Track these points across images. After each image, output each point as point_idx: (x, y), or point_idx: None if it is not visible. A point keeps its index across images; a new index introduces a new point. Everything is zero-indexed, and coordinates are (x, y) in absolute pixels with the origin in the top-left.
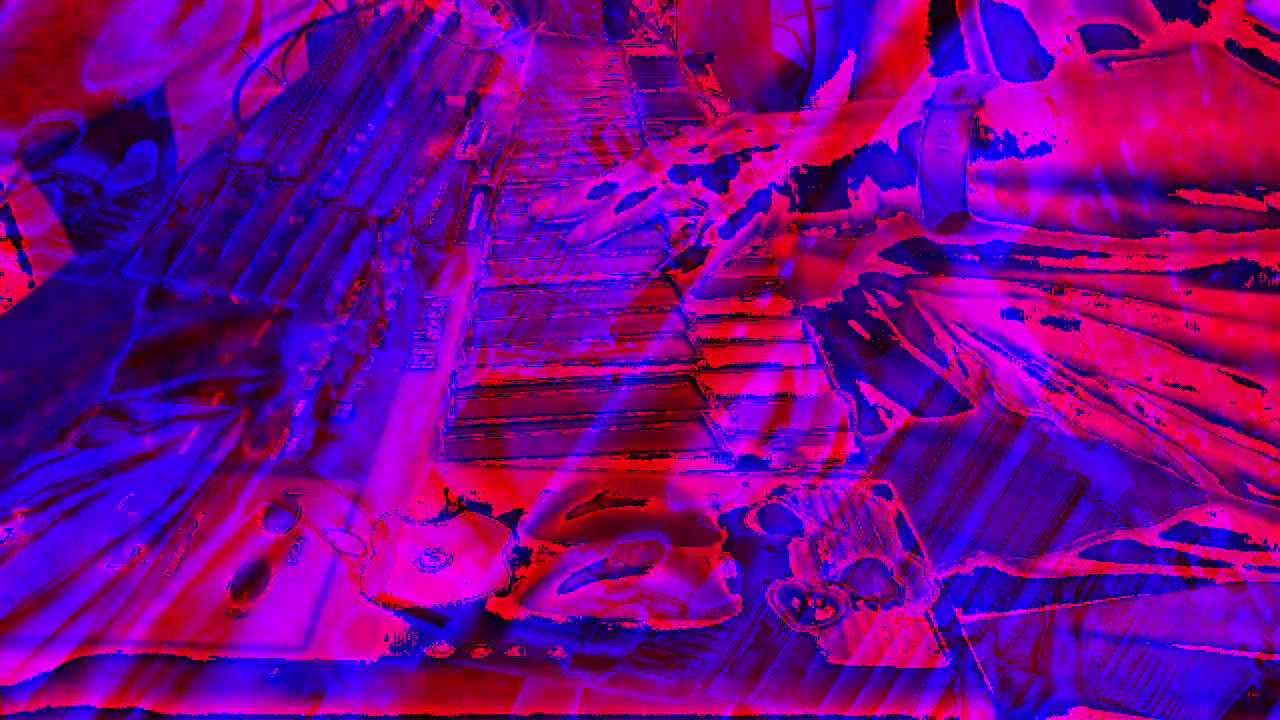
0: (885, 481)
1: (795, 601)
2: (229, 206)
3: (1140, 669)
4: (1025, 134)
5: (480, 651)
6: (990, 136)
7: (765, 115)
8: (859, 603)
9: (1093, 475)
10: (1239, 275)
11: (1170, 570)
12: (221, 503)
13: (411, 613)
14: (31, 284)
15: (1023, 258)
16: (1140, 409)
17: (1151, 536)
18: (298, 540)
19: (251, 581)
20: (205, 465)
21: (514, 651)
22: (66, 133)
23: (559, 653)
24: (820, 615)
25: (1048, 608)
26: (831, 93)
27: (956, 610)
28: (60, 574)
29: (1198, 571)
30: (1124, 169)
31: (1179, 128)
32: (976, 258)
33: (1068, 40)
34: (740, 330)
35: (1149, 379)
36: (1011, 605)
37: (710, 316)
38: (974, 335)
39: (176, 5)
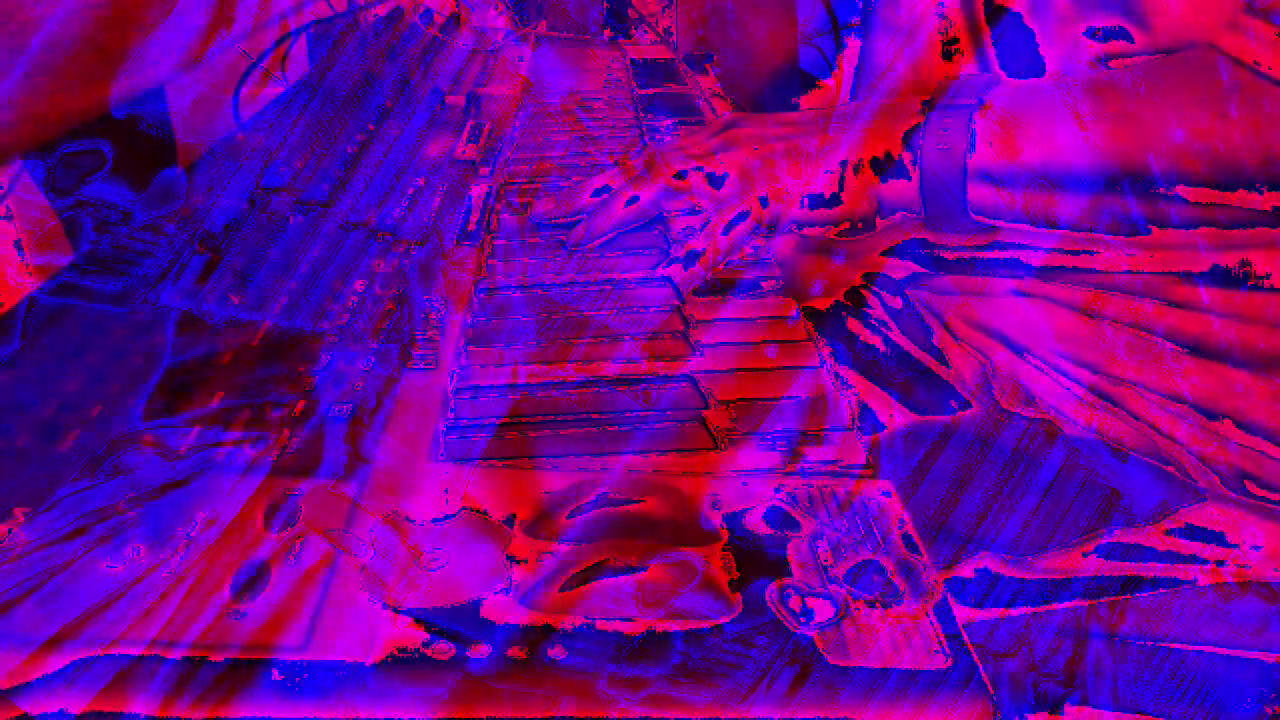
0: (885, 481)
1: (795, 602)
2: (258, 231)
3: (1179, 678)
4: (1052, 146)
5: (514, 670)
6: (1019, 152)
7: (764, 116)
8: (859, 603)
9: (1126, 489)
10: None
11: (1204, 579)
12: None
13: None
14: (54, 311)
15: (1053, 267)
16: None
17: (1151, 536)
18: (298, 540)
19: (251, 581)
20: (238, 493)
21: (549, 670)
22: (94, 160)
23: (595, 672)
24: (820, 616)
25: (1082, 618)
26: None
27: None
28: (60, 574)
29: (1230, 577)
30: (1152, 178)
31: (1207, 135)
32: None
33: (1094, 54)
34: (741, 330)
35: (1180, 388)
36: (1045, 616)
37: (711, 317)
38: (1005, 344)
39: (201, 32)
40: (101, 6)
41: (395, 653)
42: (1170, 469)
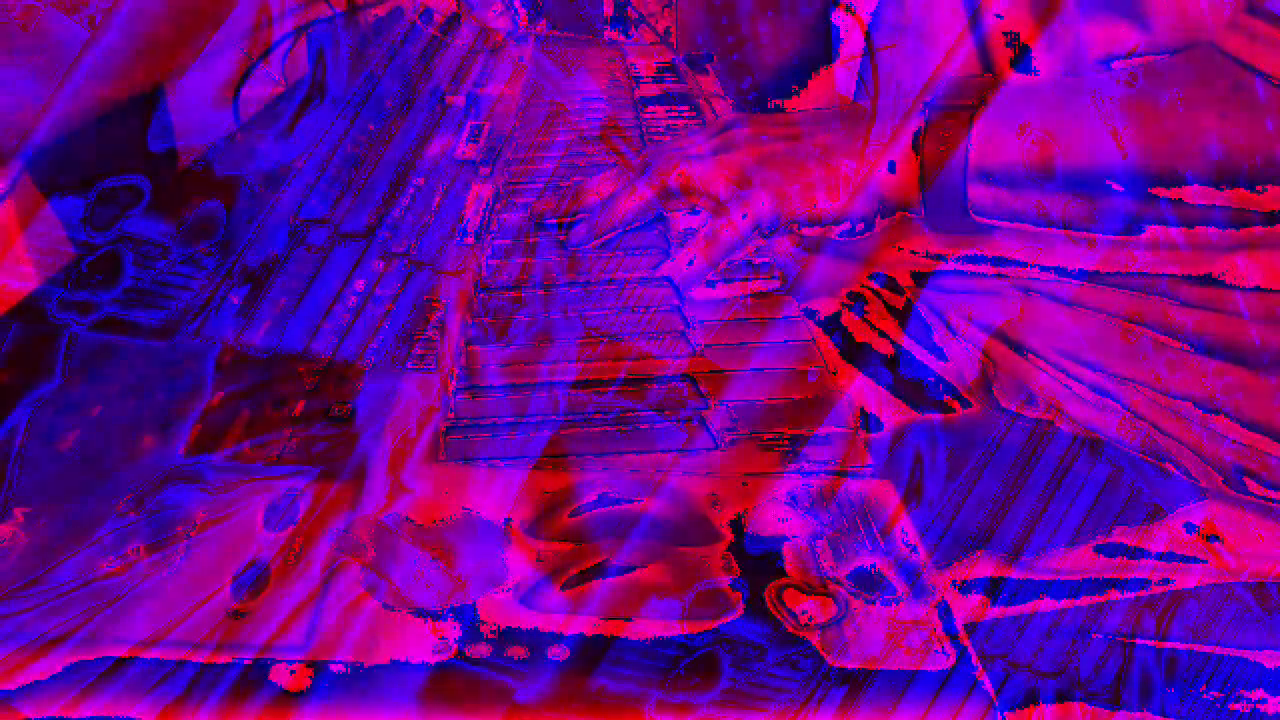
0: (885, 481)
1: (796, 602)
2: (299, 263)
3: (1227, 693)
4: (1090, 165)
5: (563, 698)
6: (1054, 171)
7: (764, 116)
8: (859, 603)
9: (1168, 502)
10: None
11: (1249, 596)
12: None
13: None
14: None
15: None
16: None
17: (1158, 541)
18: (298, 540)
19: (251, 581)
20: (282, 526)
21: (597, 698)
22: (132, 196)
23: (643, 698)
24: (821, 616)
25: (1127, 638)
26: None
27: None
28: (61, 574)
29: (1274, 594)
30: (1188, 192)
31: (1246, 151)
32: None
33: (1130, 73)
34: (741, 331)
35: (1215, 398)
36: (1089, 635)
37: (712, 317)
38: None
39: (235, 69)
40: (139, 41)
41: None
42: (1219, 480)
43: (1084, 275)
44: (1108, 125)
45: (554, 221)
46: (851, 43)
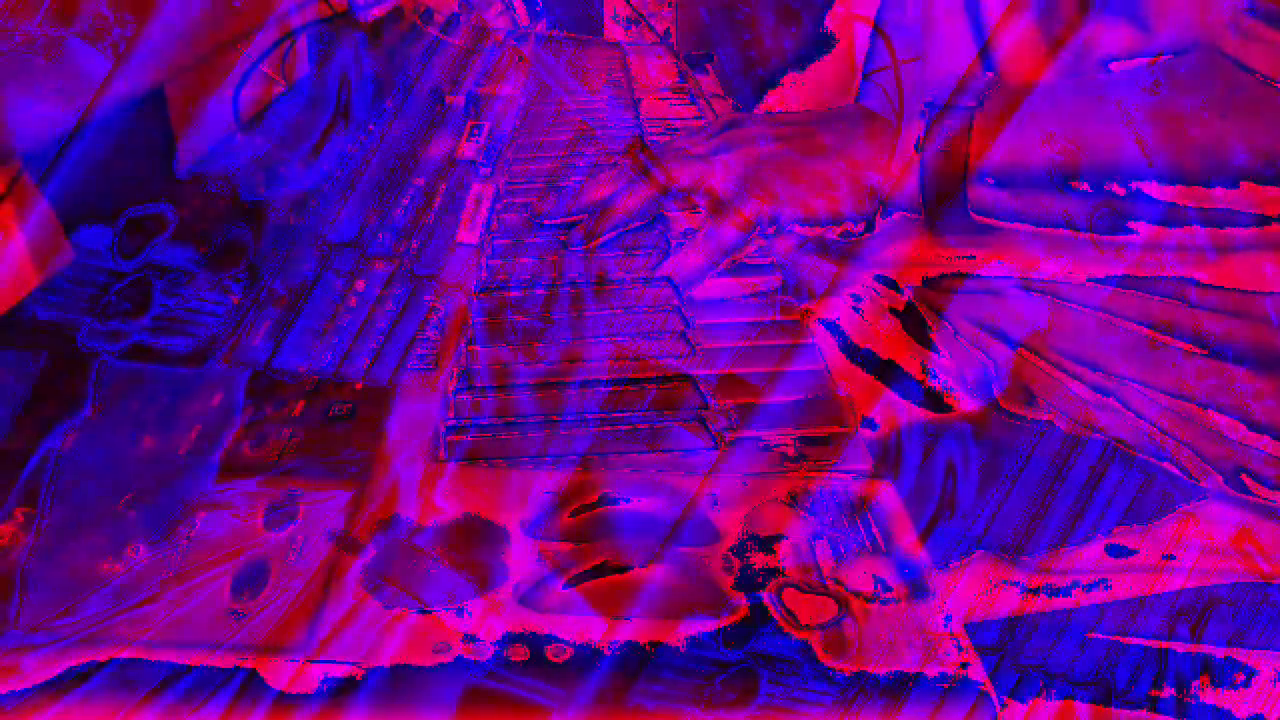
0: (886, 481)
1: (794, 601)
2: (328, 288)
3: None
4: (1116, 172)
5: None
6: (1081, 184)
7: (764, 116)
8: (859, 602)
9: (1203, 512)
10: None
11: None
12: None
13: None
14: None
15: (1126, 292)
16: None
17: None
18: (298, 540)
19: (251, 581)
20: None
21: (635, 715)
22: (158, 224)
23: (679, 715)
24: (821, 616)
25: (1164, 644)
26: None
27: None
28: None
29: None
30: (1214, 201)
31: (1273, 154)
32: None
33: (1154, 79)
34: (741, 331)
35: (1246, 405)
36: (1126, 645)
37: (712, 317)
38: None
39: (259, 95)
40: (162, 69)
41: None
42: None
43: (1112, 282)
44: (1132, 132)
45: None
46: (877, 56)
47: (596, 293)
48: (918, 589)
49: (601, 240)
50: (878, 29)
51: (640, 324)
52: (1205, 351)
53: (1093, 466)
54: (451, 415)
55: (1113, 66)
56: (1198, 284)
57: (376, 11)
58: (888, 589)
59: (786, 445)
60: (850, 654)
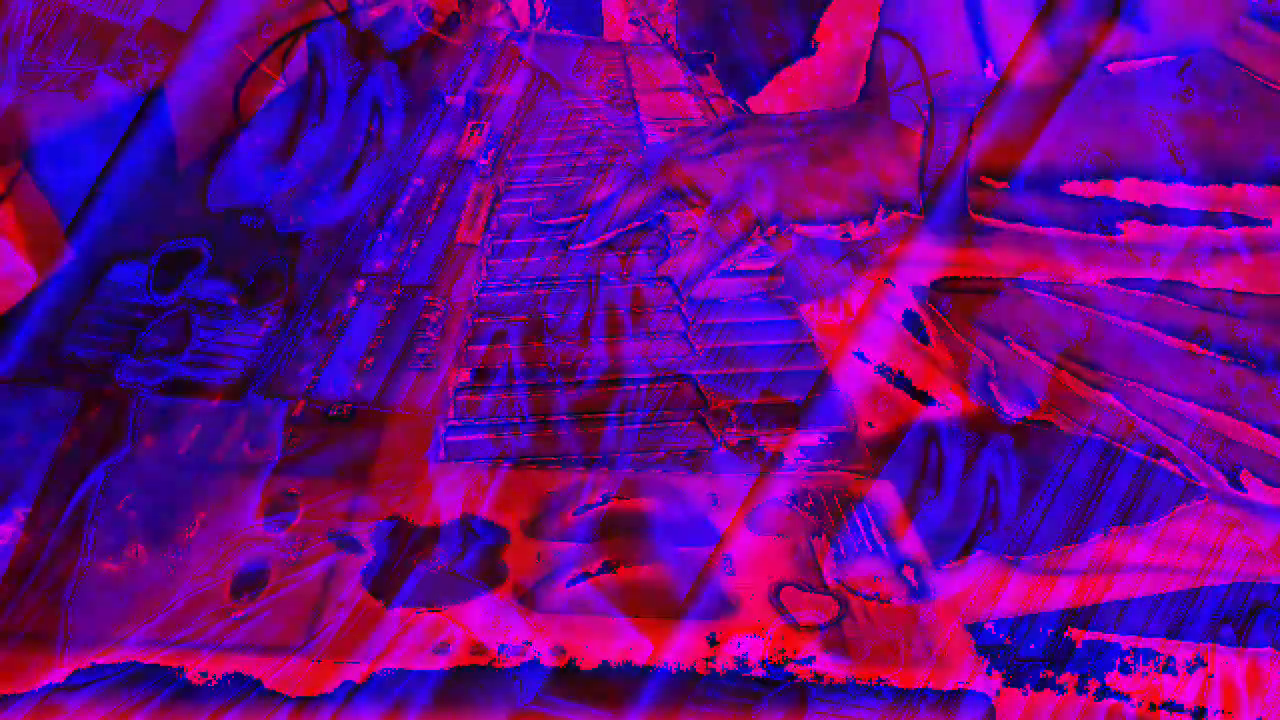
0: (886, 481)
1: (794, 601)
2: (365, 317)
3: None
4: (1150, 180)
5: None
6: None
7: (763, 116)
8: (859, 601)
9: (1246, 519)
10: None
11: None
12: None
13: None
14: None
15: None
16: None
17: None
18: (299, 541)
19: (251, 581)
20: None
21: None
22: (193, 260)
23: None
24: (822, 615)
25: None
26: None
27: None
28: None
29: None
30: (1248, 203)
31: None
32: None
33: (1185, 86)
34: (742, 331)
35: None
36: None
37: (712, 318)
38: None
39: (287, 133)
40: (193, 104)
41: None
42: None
43: (1150, 289)
44: (1164, 138)
45: (554, 221)
46: (906, 72)
47: (633, 317)
48: (918, 589)
49: (602, 240)
50: (905, 41)
51: (640, 324)
52: (1244, 359)
53: (1133, 475)
54: (452, 415)
55: (1110, 68)
56: (1235, 291)
57: (376, 12)
58: (888, 589)
59: (785, 444)
60: (850, 654)
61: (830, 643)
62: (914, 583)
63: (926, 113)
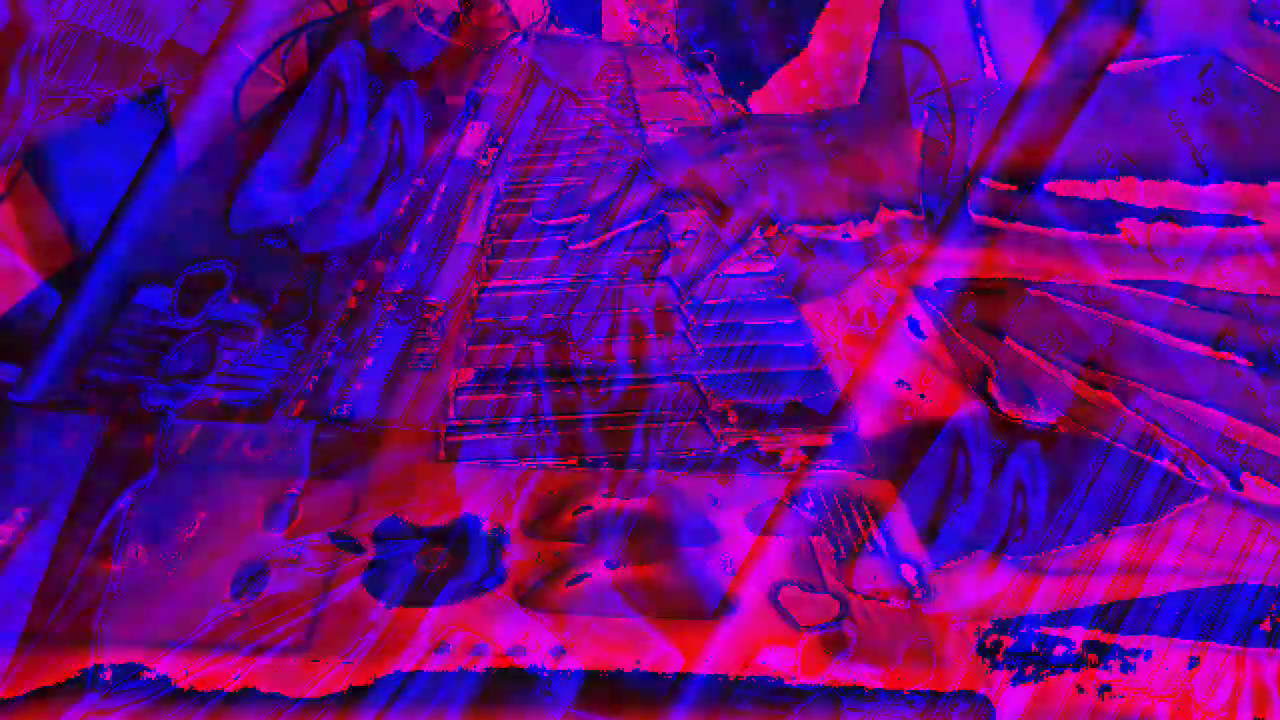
0: (886, 481)
1: (799, 600)
2: (393, 337)
3: None
4: (1171, 186)
5: None
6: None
7: (763, 116)
8: (860, 601)
9: (1269, 518)
10: None
11: None
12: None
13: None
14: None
15: (1187, 306)
16: None
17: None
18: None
19: (251, 581)
20: (395, 600)
21: None
22: (217, 282)
23: None
24: (823, 615)
25: (1244, 649)
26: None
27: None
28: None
29: None
30: (1272, 206)
31: None
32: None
33: (1205, 90)
34: (742, 331)
35: None
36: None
37: (711, 318)
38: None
39: (306, 155)
40: (215, 126)
41: None
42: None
43: (1173, 293)
44: (1186, 144)
45: (554, 221)
46: (927, 79)
47: (658, 329)
48: (919, 589)
49: (602, 240)
50: (925, 50)
51: (641, 324)
52: (1269, 363)
53: (1160, 481)
54: (453, 415)
55: (1111, 69)
56: (1259, 295)
57: (376, 12)
58: (888, 589)
59: (785, 445)
60: (850, 654)
61: (830, 642)
62: (918, 586)
63: (947, 120)
